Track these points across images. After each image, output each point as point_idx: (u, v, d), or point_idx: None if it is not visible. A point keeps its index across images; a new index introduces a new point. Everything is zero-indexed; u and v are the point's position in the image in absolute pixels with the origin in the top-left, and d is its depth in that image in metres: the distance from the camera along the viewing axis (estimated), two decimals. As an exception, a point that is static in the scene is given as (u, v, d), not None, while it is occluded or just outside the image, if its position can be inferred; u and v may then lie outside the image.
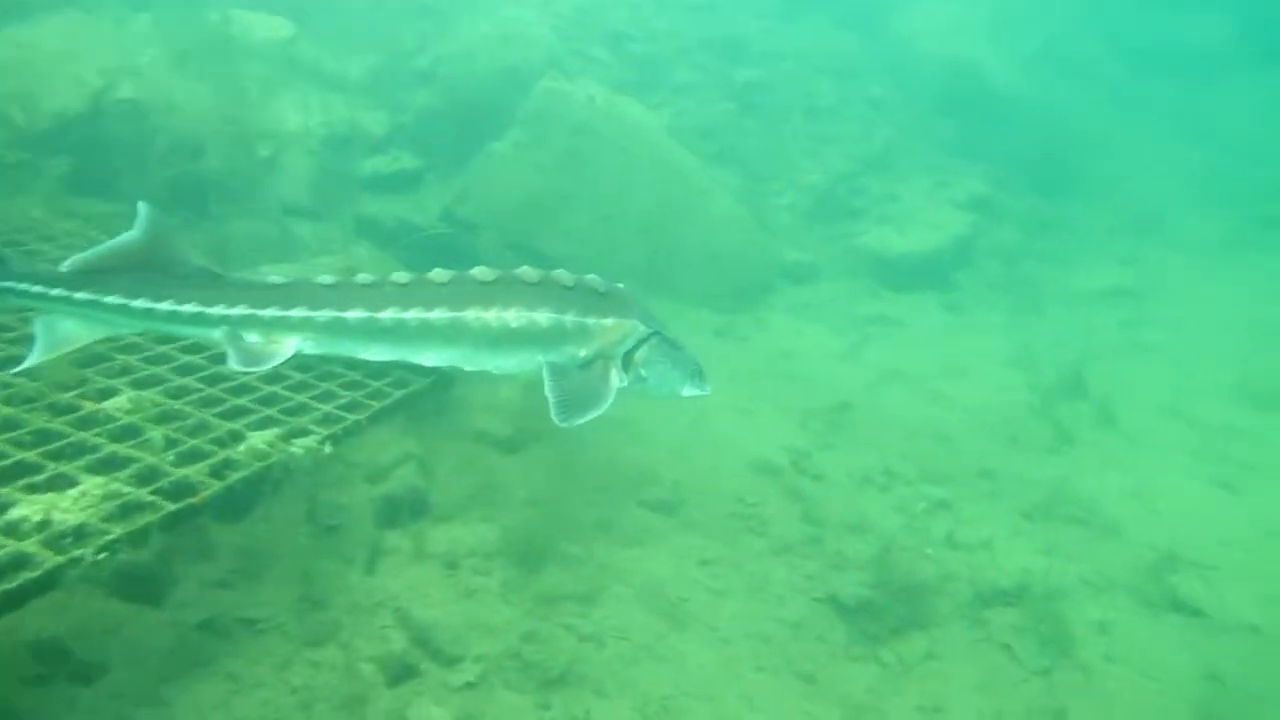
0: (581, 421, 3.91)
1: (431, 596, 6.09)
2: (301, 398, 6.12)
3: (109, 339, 4.97)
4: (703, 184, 11.58)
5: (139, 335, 5.71)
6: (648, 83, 13.84)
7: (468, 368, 4.05)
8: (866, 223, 12.94)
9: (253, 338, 3.91)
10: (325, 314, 3.91)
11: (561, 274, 4.06)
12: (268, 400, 6.04)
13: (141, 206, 3.98)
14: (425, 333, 3.92)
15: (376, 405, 6.16)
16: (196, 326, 3.95)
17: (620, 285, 4.20)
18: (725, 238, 11.37)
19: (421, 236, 10.33)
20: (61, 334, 3.96)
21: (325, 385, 6.21)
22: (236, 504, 5.76)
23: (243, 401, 5.96)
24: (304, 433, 5.80)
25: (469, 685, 5.63)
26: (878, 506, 7.92)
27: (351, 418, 6.01)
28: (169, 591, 5.57)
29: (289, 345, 3.93)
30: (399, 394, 6.30)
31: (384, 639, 5.73)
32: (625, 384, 4.10)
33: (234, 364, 3.89)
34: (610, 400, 4.02)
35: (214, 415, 5.71)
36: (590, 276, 4.14)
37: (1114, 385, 9.91)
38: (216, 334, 3.93)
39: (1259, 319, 12.24)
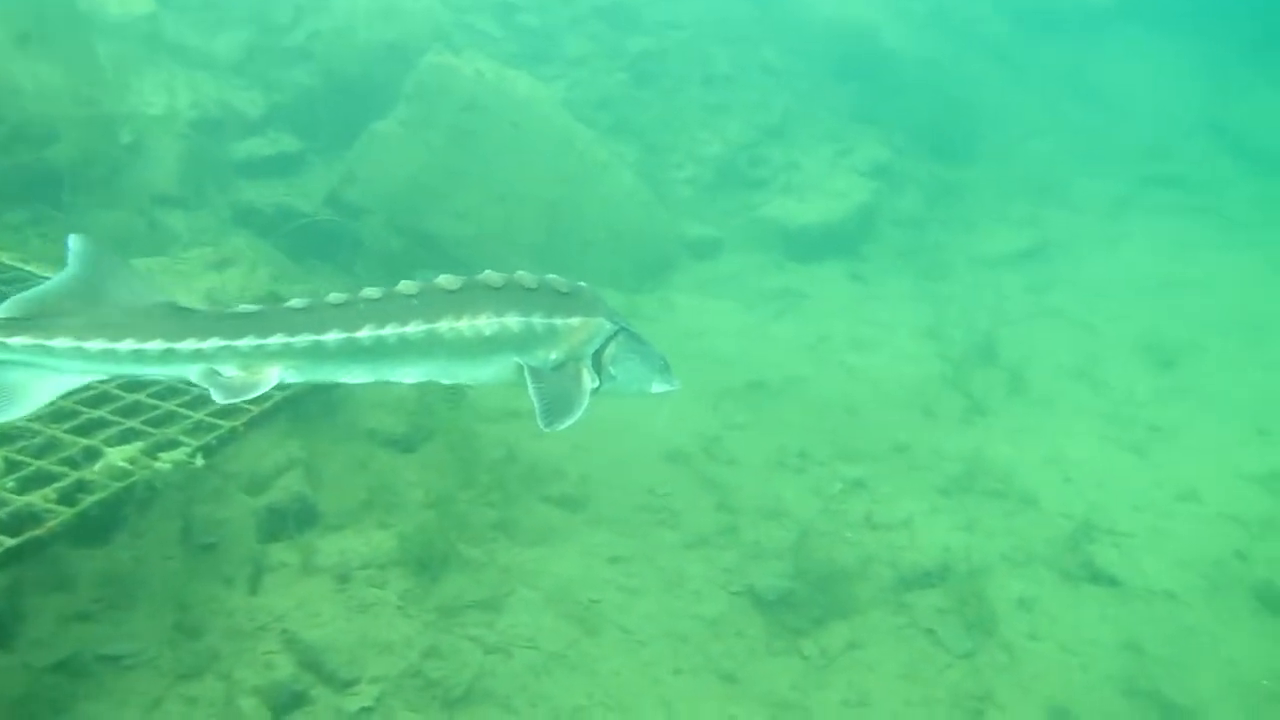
0: (564, 426, 3.83)
1: (322, 614, 5.63)
2: (169, 405, 5.61)
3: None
4: (601, 158, 11.16)
5: None
6: (539, 55, 13.34)
7: (445, 381, 3.93)
8: (769, 193, 12.66)
9: (231, 371, 3.69)
10: (304, 339, 3.73)
11: (524, 275, 3.90)
12: (130, 410, 5.52)
13: (72, 240, 3.59)
14: (403, 349, 3.79)
15: (255, 409, 5.65)
16: (165, 365, 3.64)
17: (582, 284, 4.05)
18: (626, 214, 10.98)
19: (305, 223, 9.74)
20: (8, 389, 3.51)
21: (196, 389, 5.66)
22: (96, 528, 5.22)
23: (101, 413, 5.43)
24: (172, 445, 5.31)
25: (365, 710, 5.22)
26: (793, 490, 7.65)
27: (227, 424, 5.52)
28: (19, 630, 5.01)
29: (271, 375, 3.74)
30: (279, 395, 5.77)
31: (269, 666, 5.26)
32: (597, 384, 4.00)
33: (218, 398, 3.63)
34: (586, 402, 3.93)
35: (65, 431, 5.16)
36: (551, 276, 3.98)
37: (1024, 351, 9.81)
38: (191, 372, 3.66)
39: (1157, 278, 12.32)
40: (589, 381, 3.97)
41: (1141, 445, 8.72)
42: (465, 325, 3.80)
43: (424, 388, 4.71)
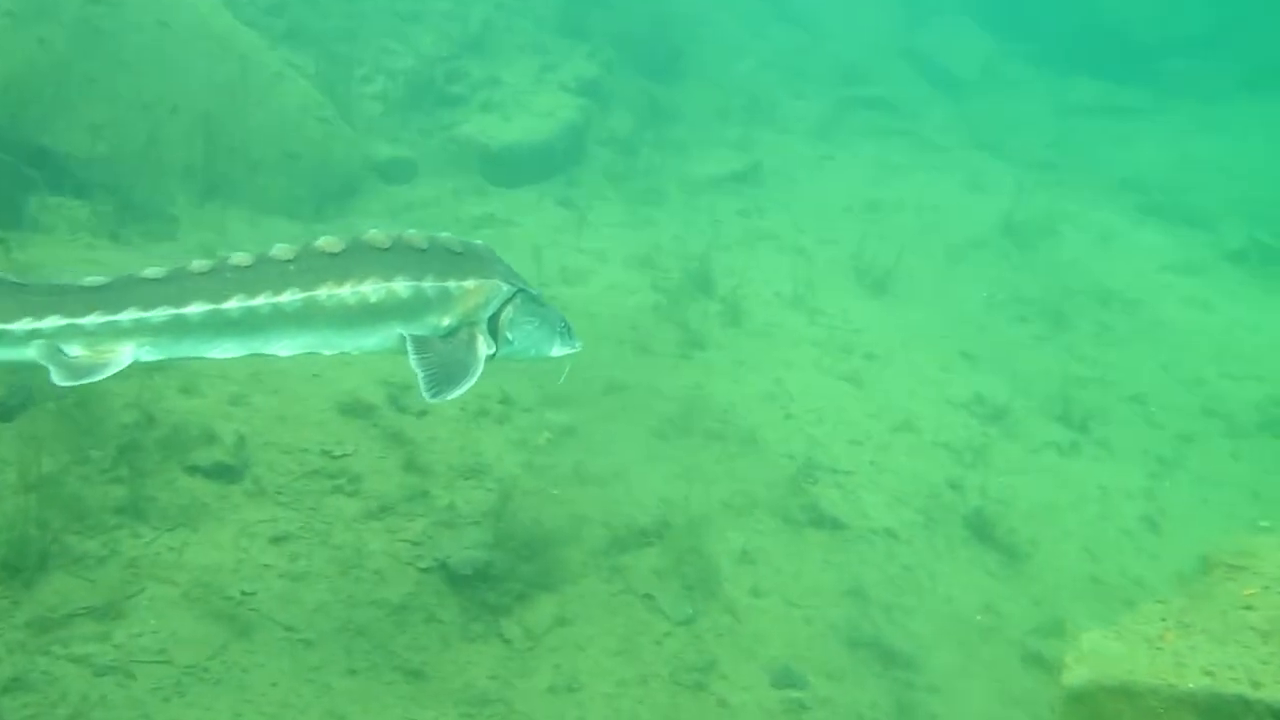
0: (452, 396, 3.66)
1: None
2: None
3: None
4: (271, 67, 9.65)
5: None
6: (197, -54, 11.46)
7: (326, 352, 3.69)
8: (468, 111, 11.49)
9: (76, 350, 3.43)
10: (161, 313, 3.46)
11: (413, 235, 3.71)
12: None
13: None
14: (277, 320, 3.54)
15: None
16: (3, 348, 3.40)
17: (478, 243, 3.91)
18: (302, 131, 9.55)
19: None
20: None
21: None
22: None
23: None
24: None
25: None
26: (495, 442, 6.74)
27: None
28: None
29: (123, 354, 3.46)
30: None
31: None
32: (493, 350, 3.84)
33: (59, 380, 3.40)
34: (480, 369, 3.74)
35: None
36: (444, 235, 3.80)
37: (739, 279, 9.31)
38: (29, 353, 3.41)
39: (864, 200, 12.23)
40: (484, 348, 3.77)
41: (858, 374, 8.43)
42: (348, 292, 3.55)
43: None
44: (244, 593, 5.13)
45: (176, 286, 3.51)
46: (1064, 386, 8.50)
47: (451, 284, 3.72)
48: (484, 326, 3.83)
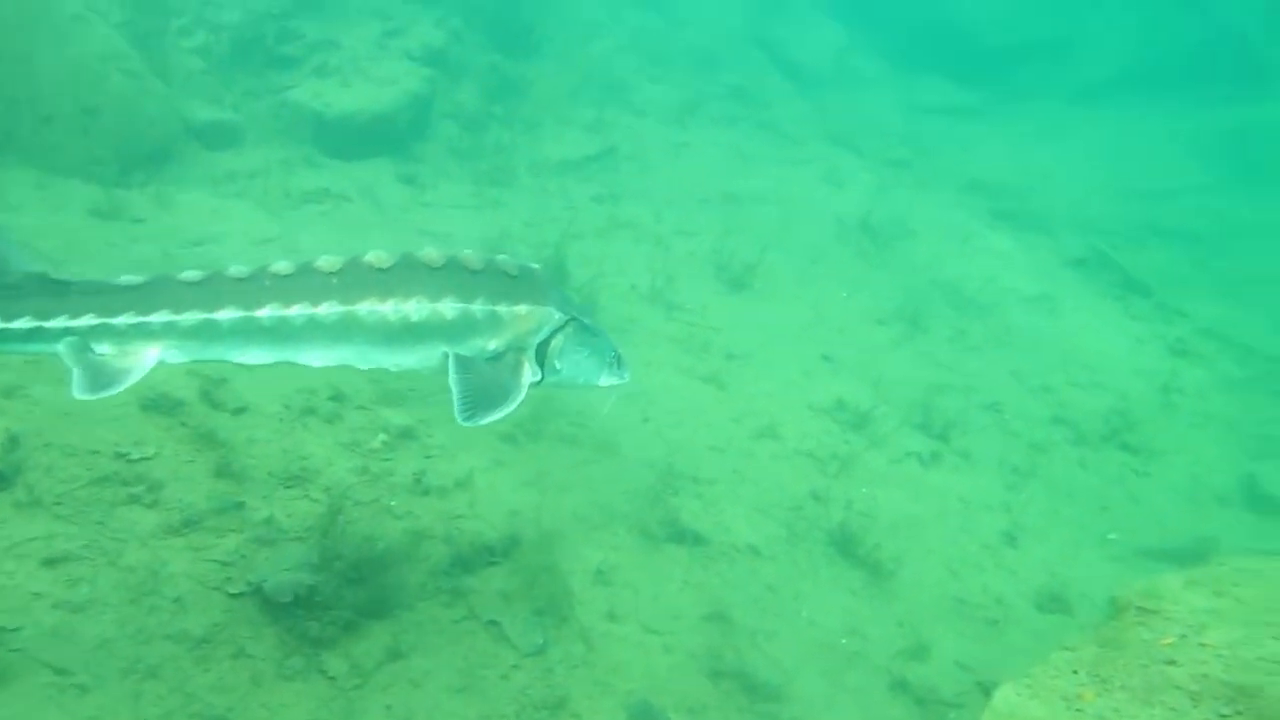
0: (487, 421, 3.57)
1: None
2: None
3: None
4: (68, 9, 8.51)
5: None
6: None
7: (362, 366, 3.64)
8: (301, 74, 10.53)
9: (104, 349, 3.39)
10: (192, 316, 3.41)
11: (469, 256, 3.68)
12: None
13: None
14: (312, 331, 3.46)
15: None
16: (34, 343, 3.37)
17: (534, 267, 3.82)
18: (106, 84, 8.49)
19: None
20: None
21: None
22: None
23: None
24: None
25: None
26: (323, 445, 6.00)
27: None
28: None
29: (148, 356, 3.43)
30: None
31: None
32: (539, 378, 3.78)
33: (79, 391, 3.34)
34: (521, 397, 3.68)
35: None
36: (501, 257, 3.77)
37: (595, 269, 8.76)
38: (59, 348, 3.37)
39: (722, 191, 11.86)
40: (528, 375, 3.69)
41: (718, 376, 8.01)
42: (390, 309, 3.49)
43: None
44: (7, 629, 4.30)
45: (210, 290, 3.46)
46: (924, 394, 8.30)
47: (502, 308, 3.65)
48: (532, 353, 3.75)
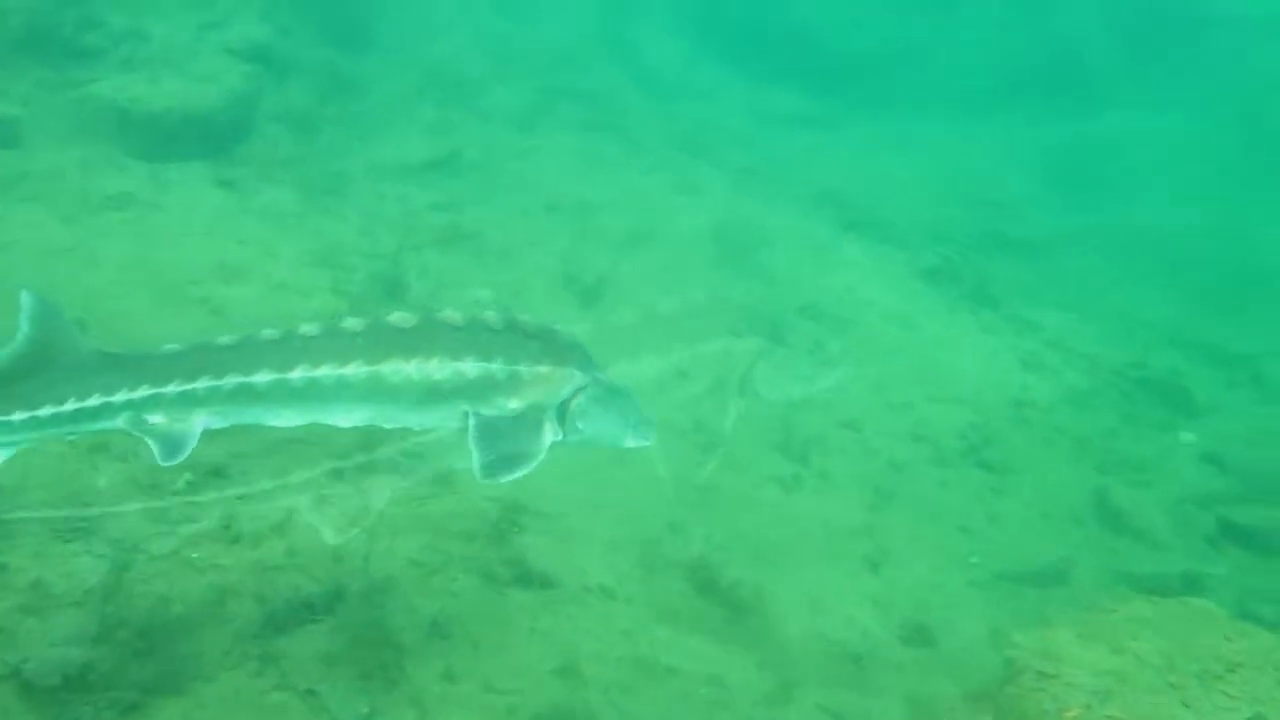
0: (507, 480, 3.66)
1: None
2: None
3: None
4: None
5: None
6: None
7: (387, 425, 3.72)
8: (104, 68, 9.47)
9: (157, 419, 3.50)
10: (231, 381, 3.53)
11: (490, 316, 3.76)
12: None
13: (26, 297, 3.50)
14: (340, 391, 3.58)
15: None
16: (102, 420, 3.49)
17: (557, 328, 3.89)
18: None
19: None
20: None
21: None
22: None
23: None
24: None
25: None
26: (115, 486, 5.24)
27: None
28: None
29: (196, 424, 3.53)
30: None
31: None
32: (560, 438, 3.81)
33: (163, 459, 3.48)
34: (542, 456, 3.73)
35: None
36: (523, 318, 3.83)
37: (436, 283, 8.14)
38: (118, 423, 3.48)
39: (572, 198, 11.34)
40: (549, 435, 3.75)
41: (567, 398, 7.47)
42: (413, 368, 3.59)
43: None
44: None
45: (245, 354, 3.56)
46: (784, 411, 7.98)
47: (523, 368, 3.71)
48: (553, 413, 3.78)
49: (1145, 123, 18.25)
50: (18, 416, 3.44)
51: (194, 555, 4.95)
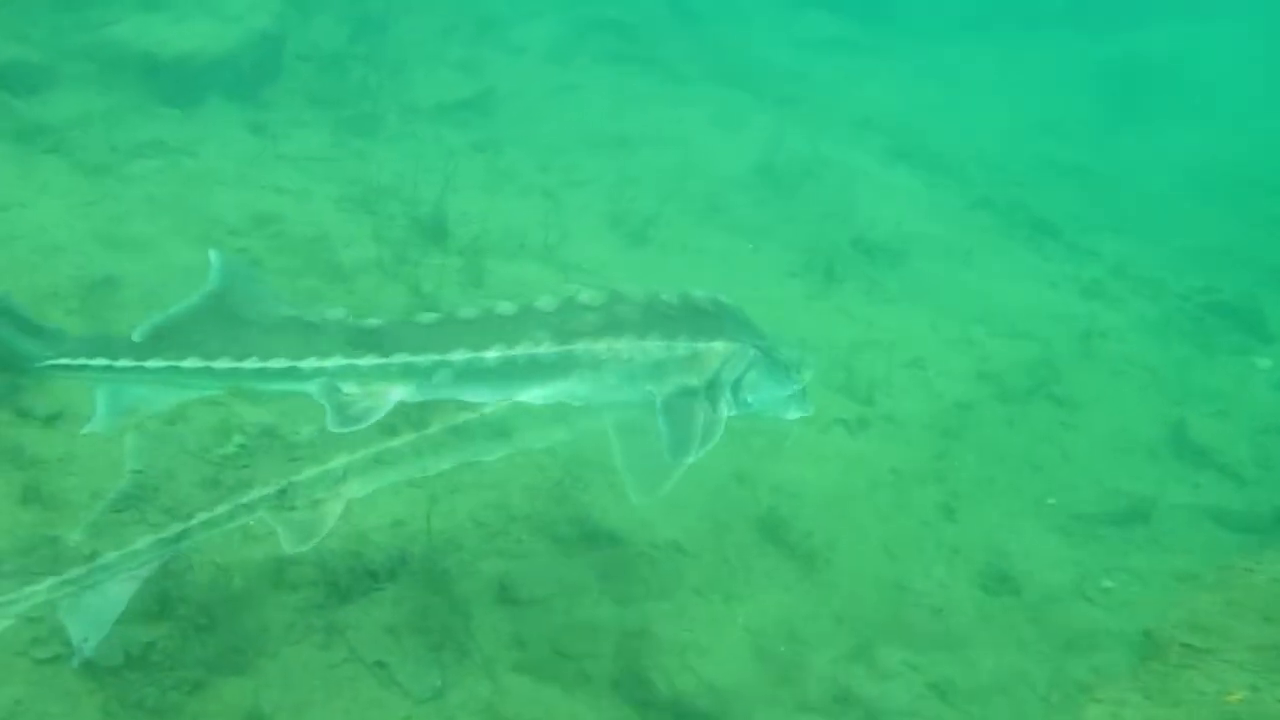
0: (691, 459, 3.67)
1: None
2: None
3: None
4: None
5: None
6: None
7: (575, 403, 3.74)
8: (124, 8, 9.11)
9: (350, 389, 3.62)
10: (427, 358, 3.63)
11: (667, 294, 3.83)
12: None
13: (214, 255, 3.75)
14: (533, 370, 3.66)
15: None
16: (288, 382, 3.65)
17: (728, 302, 3.96)
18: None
19: None
20: (129, 401, 3.75)
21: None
22: None
23: None
24: None
25: None
26: (161, 454, 4.99)
27: None
28: None
29: (390, 396, 3.63)
30: None
31: None
32: (733, 412, 3.88)
33: (333, 424, 3.56)
34: (720, 432, 3.79)
35: None
36: (696, 294, 3.89)
37: (480, 228, 7.80)
38: (311, 388, 3.63)
39: (611, 134, 10.94)
40: (725, 411, 3.81)
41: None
42: (604, 348, 3.65)
43: None
44: None
45: (443, 333, 3.64)
46: (846, 353, 7.65)
47: (701, 345, 3.75)
48: (728, 389, 3.81)
49: (1197, 32, 17.54)
50: (189, 364, 3.61)
51: (250, 523, 4.72)
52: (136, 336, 3.65)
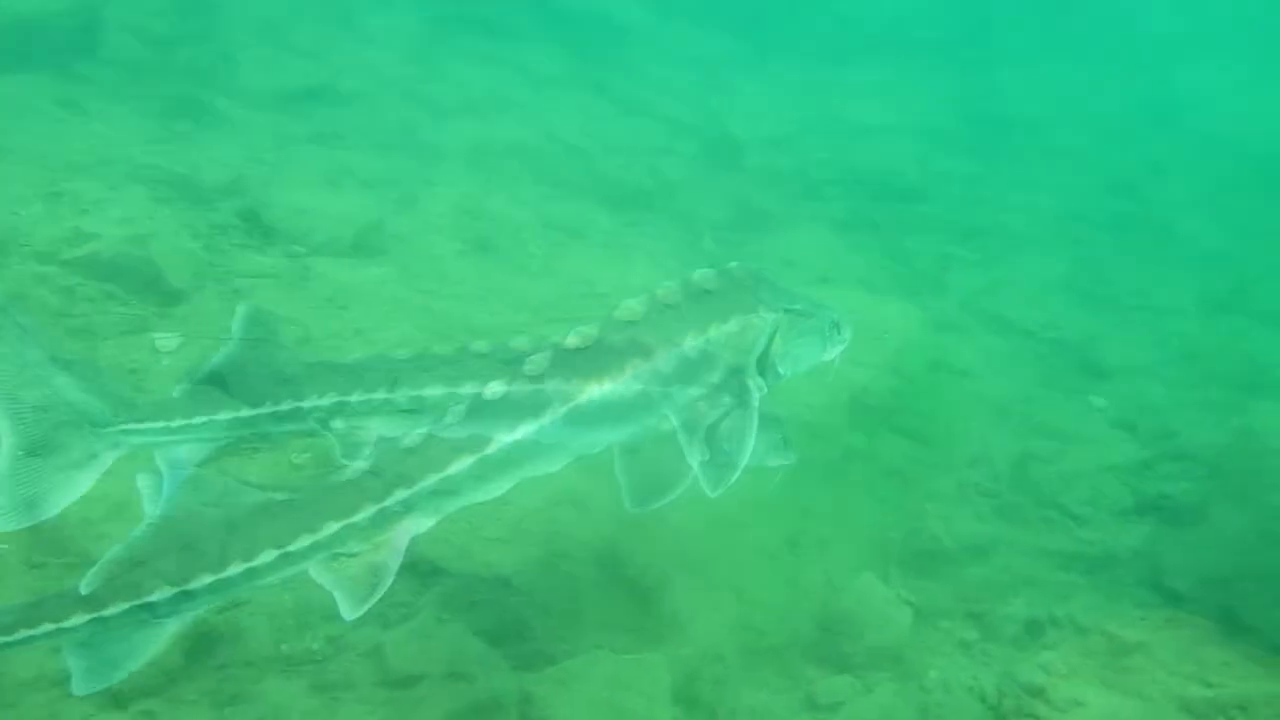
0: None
1: None
2: None
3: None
4: None
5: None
6: None
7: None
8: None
9: (338, 425, 3.53)
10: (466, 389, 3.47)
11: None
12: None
13: (241, 308, 3.68)
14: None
15: None
16: (291, 423, 3.58)
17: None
18: None
19: None
20: (179, 459, 3.52)
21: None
22: None
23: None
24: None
25: None
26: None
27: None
28: None
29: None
30: None
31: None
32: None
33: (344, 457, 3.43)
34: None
35: None
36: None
37: (312, 223, 7.20)
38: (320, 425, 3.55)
39: (475, 140, 10.43)
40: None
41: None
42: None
43: None
44: None
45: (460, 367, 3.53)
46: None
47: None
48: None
49: (1040, 75, 18.11)
50: (223, 416, 3.49)
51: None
52: (177, 393, 3.58)
